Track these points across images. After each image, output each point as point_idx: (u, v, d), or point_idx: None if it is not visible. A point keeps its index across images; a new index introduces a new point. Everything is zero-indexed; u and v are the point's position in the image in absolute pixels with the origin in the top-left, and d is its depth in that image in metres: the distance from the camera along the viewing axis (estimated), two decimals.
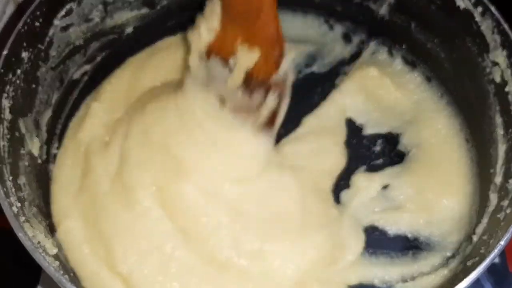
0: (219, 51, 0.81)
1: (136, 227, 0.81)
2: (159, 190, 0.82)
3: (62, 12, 0.86)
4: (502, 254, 0.91)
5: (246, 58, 0.79)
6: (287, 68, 0.81)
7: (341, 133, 0.95)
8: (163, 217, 0.81)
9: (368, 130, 0.97)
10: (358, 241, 0.85)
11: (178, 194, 0.82)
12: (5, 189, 0.71)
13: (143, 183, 0.82)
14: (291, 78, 0.82)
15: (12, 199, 0.72)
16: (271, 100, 0.82)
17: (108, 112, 0.93)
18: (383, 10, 0.99)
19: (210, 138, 0.84)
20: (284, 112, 0.84)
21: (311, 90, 1.01)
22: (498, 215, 0.76)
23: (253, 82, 0.81)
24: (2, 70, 0.76)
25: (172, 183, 0.82)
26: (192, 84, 0.86)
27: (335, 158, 0.93)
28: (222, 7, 0.79)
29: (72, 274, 0.78)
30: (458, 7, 0.86)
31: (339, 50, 1.05)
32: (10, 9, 0.97)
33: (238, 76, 0.80)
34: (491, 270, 0.90)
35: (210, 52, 0.82)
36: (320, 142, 0.94)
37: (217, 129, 0.84)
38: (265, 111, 0.83)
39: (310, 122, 0.96)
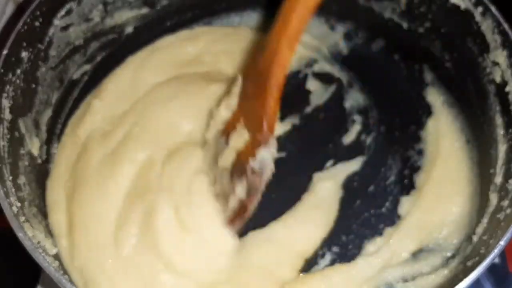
0: (228, 130, 0.81)
1: (96, 211, 0.82)
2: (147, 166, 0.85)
3: (62, 12, 0.86)
4: (502, 254, 0.91)
5: (239, 137, 0.78)
6: (266, 160, 0.76)
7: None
8: (120, 198, 0.83)
9: None
10: None
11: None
12: (5, 189, 0.72)
13: (135, 157, 0.85)
14: (268, 174, 0.77)
15: (12, 199, 0.73)
16: (239, 189, 0.78)
17: (108, 109, 0.93)
18: (387, 12, 1.00)
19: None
20: (252, 209, 0.79)
21: (309, 90, 1.02)
22: (498, 215, 0.76)
23: (236, 166, 0.78)
24: (2, 70, 0.76)
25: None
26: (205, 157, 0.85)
27: None
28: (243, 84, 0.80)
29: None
30: (459, 7, 0.86)
31: (340, 49, 1.05)
32: (10, 9, 0.98)
33: (227, 155, 0.79)
34: (491, 270, 0.90)
35: (223, 130, 0.82)
36: None
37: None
38: (232, 202, 0.79)
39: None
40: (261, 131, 0.75)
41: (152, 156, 0.86)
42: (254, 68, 0.78)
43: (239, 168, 0.78)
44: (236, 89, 0.81)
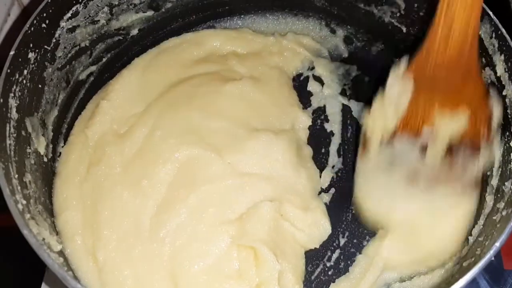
0: (407, 127, 0.80)
1: (129, 207, 0.83)
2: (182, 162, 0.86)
3: (68, 14, 0.87)
4: (498, 252, 0.90)
5: (450, 124, 0.78)
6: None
7: None
8: (161, 194, 0.84)
9: None
10: None
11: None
12: (11, 187, 0.72)
13: (169, 157, 0.85)
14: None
15: (18, 196, 0.73)
16: (482, 159, 0.79)
17: (117, 110, 0.94)
18: (386, 16, 1.01)
19: None
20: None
21: (310, 92, 1.03)
22: (494, 217, 0.77)
23: (459, 147, 0.77)
24: (9, 70, 0.77)
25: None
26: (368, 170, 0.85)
27: None
28: (415, 82, 0.79)
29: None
30: None
31: (340, 52, 1.07)
32: (15, 11, 0.98)
33: (441, 146, 0.78)
34: (487, 267, 0.88)
35: (396, 131, 0.81)
36: None
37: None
38: (475, 171, 0.79)
39: None
40: (484, 107, 0.76)
41: (188, 154, 0.86)
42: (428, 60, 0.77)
43: (468, 147, 0.78)
44: (408, 85, 0.79)
